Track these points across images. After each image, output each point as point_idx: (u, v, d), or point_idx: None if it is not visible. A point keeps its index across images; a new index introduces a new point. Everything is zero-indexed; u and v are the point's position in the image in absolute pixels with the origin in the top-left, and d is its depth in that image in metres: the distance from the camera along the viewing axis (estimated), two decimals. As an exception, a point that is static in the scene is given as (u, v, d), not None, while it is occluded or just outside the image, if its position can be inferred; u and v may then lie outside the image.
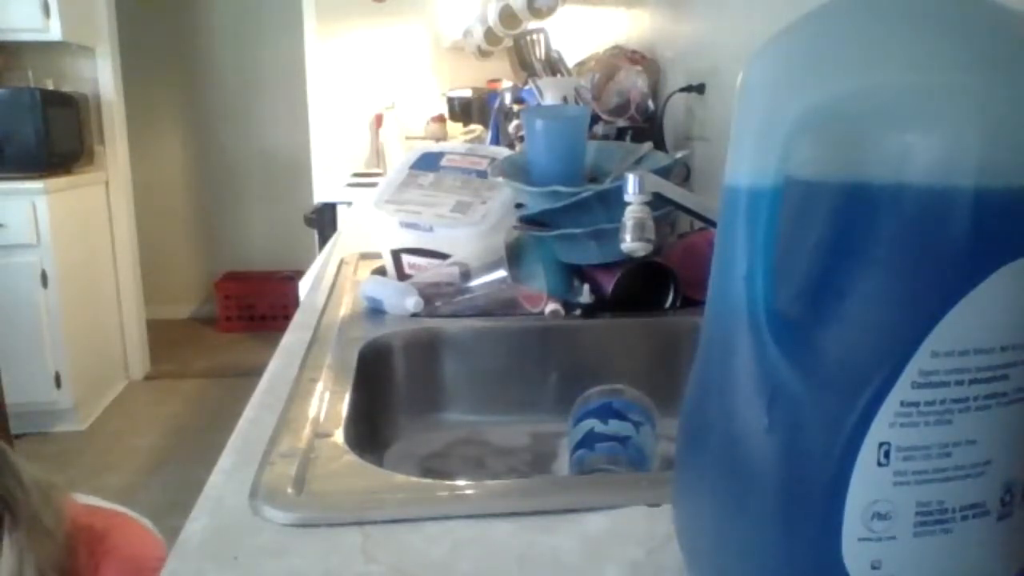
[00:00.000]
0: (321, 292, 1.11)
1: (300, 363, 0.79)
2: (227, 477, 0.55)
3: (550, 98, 1.54)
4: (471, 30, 2.67)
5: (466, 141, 2.38)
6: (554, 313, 0.93)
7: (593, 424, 0.70)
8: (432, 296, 0.97)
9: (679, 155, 1.05)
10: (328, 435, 0.62)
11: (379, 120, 3.35)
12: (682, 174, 1.32)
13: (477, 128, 2.65)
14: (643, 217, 0.79)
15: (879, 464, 0.32)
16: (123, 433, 3.05)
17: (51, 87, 3.14)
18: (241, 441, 0.61)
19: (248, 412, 0.67)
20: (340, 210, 2.66)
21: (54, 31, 2.98)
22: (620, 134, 1.41)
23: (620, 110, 1.43)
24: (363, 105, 3.51)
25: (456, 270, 0.98)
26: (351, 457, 0.58)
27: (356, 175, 3.09)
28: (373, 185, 1.87)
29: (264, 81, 4.45)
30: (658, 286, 0.98)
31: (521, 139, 1.54)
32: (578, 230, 0.93)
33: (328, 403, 0.68)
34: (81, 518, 0.95)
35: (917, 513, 0.33)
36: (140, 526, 1.02)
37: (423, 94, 3.40)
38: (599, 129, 1.42)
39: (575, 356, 0.93)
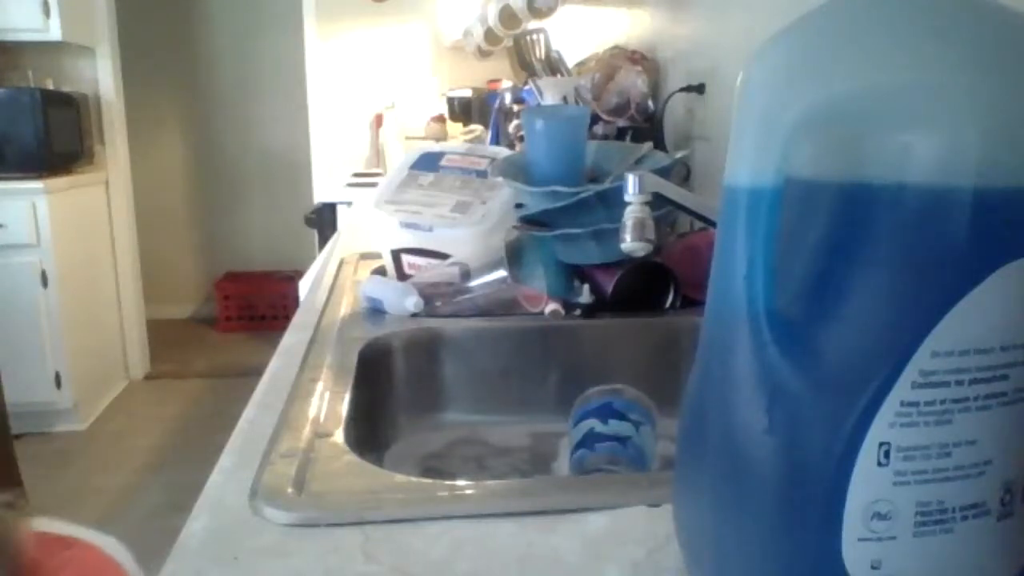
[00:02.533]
0: (321, 292, 1.11)
1: (300, 363, 0.79)
2: (227, 477, 0.55)
3: (550, 98, 1.54)
4: (471, 30, 2.67)
5: (466, 141, 2.38)
6: (554, 313, 0.93)
7: (593, 424, 0.70)
8: (432, 296, 0.97)
9: (679, 155, 1.05)
10: (328, 435, 0.62)
11: (379, 120, 3.35)
12: (682, 174, 1.32)
13: (477, 128, 2.65)
14: (643, 217, 0.79)
15: (879, 464, 0.32)
16: (123, 433, 3.05)
17: (51, 87, 3.14)
18: (241, 441, 0.61)
19: (248, 412, 0.67)
20: (340, 210, 2.66)
21: (54, 31, 2.98)
22: (620, 134, 1.41)
23: (620, 110, 1.43)
24: (363, 105, 3.51)
25: (456, 270, 0.98)
26: (351, 457, 0.58)
27: (356, 175, 3.09)
28: (373, 185, 1.87)
29: (264, 81, 4.45)
30: (658, 286, 0.98)
31: (521, 139, 1.53)
32: (578, 230, 0.93)
33: (328, 403, 0.68)
34: (30, 552, 0.91)
35: (917, 513, 0.33)
36: (103, 560, 0.96)
37: (423, 94, 3.40)
38: (599, 129, 1.42)
39: (575, 356, 0.93)
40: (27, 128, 2.86)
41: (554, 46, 2.20)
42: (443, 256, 1.03)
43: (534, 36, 2.25)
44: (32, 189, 2.81)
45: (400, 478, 0.58)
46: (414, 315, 0.94)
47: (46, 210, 2.83)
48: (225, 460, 0.58)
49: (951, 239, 0.31)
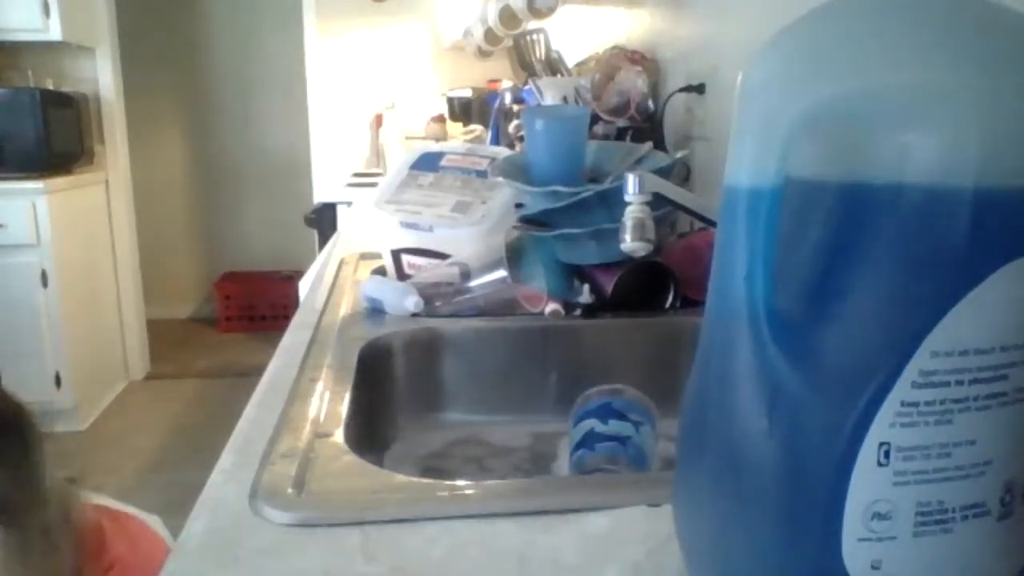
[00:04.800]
0: (321, 292, 1.11)
1: (300, 363, 0.79)
2: (227, 477, 0.55)
3: (550, 98, 1.54)
4: (471, 30, 2.67)
5: (466, 141, 2.38)
6: (554, 313, 0.93)
7: (593, 424, 0.70)
8: (432, 296, 0.97)
9: (679, 155, 1.05)
10: (328, 435, 0.62)
11: (379, 120, 3.36)
12: (682, 174, 1.32)
13: (477, 128, 2.65)
14: (643, 217, 0.79)
15: (879, 464, 0.32)
16: (123, 433, 3.05)
17: (51, 87, 3.13)
18: (241, 441, 0.61)
19: (248, 412, 0.67)
20: (340, 210, 2.66)
21: (54, 31, 2.98)
22: (620, 134, 1.41)
23: (620, 110, 1.43)
24: (363, 105, 3.51)
25: (456, 270, 0.98)
26: (351, 457, 0.58)
27: (356, 175, 3.09)
28: (373, 185, 1.87)
29: (264, 81, 4.45)
30: (658, 286, 0.98)
31: (521, 139, 1.54)
32: (578, 230, 0.93)
33: (328, 403, 0.68)
34: (89, 522, 0.94)
35: (917, 513, 0.33)
36: (150, 532, 1.01)
37: (423, 94, 3.40)
38: (599, 129, 1.42)
39: (575, 356, 0.93)
40: (27, 128, 2.86)
41: (554, 46, 2.20)
42: (443, 256, 1.03)
43: (534, 36, 2.25)
44: (32, 189, 2.81)
45: (400, 478, 0.58)
46: (414, 315, 0.94)
47: (46, 210, 2.83)
48: (225, 460, 0.57)
49: (951, 239, 0.31)
